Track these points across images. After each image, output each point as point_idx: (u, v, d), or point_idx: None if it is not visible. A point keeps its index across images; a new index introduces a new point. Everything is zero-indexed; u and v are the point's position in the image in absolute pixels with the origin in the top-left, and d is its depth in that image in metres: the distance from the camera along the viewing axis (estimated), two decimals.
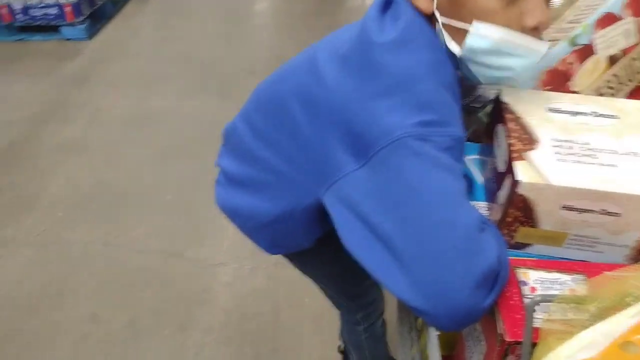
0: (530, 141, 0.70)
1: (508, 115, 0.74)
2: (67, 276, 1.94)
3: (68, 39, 3.66)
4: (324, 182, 0.73)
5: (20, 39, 3.68)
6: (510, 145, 0.69)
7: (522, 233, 0.69)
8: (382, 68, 0.68)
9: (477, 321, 0.63)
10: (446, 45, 0.72)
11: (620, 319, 0.51)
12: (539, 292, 0.62)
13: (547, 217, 0.67)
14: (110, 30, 3.88)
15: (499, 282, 0.61)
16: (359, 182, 0.67)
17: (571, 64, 0.89)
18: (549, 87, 0.89)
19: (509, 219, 0.68)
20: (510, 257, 0.67)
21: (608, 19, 0.86)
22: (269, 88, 0.90)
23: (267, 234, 0.96)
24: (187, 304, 1.84)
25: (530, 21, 0.67)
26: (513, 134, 0.71)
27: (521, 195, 0.65)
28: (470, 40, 0.69)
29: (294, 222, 0.88)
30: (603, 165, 0.66)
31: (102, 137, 2.73)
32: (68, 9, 3.56)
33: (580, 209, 0.65)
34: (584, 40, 0.87)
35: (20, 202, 2.28)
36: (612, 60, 0.88)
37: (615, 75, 0.89)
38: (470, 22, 0.68)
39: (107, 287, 1.90)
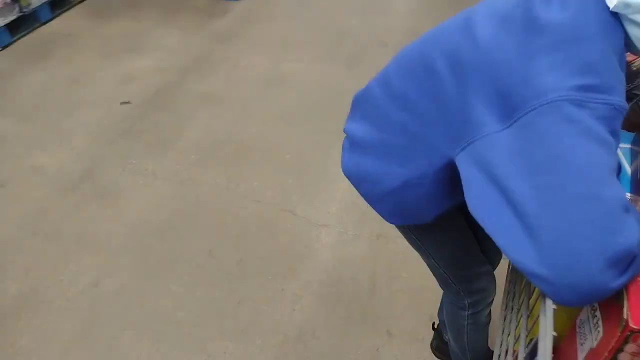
0: None
1: None
2: (192, 212, 2.16)
3: None
4: (460, 142, 0.72)
5: None
6: None
7: None
8: (547, 25, 0.65)
9: (599, 301, 0.60)
10: None
11: None
12: None
13: None
14: None
15: (632, 267, 0.58)
16: (501, 144, 0.65)
17: None
18: None
19: None
20: None
21: None
22: (415, 48, 0.88)
23: (392, 201, 0.95)
24: (291, 256, 1.95)
25: None
26: None
27: None
28: None
29: (422, 189, 0.87)
30: None
31: (237, 92, 2.94)
32: None
33: None
34: None
35: (162, 141, 2.56)
36: None
37: None
38: None
39: (224, 228, 2.08)
